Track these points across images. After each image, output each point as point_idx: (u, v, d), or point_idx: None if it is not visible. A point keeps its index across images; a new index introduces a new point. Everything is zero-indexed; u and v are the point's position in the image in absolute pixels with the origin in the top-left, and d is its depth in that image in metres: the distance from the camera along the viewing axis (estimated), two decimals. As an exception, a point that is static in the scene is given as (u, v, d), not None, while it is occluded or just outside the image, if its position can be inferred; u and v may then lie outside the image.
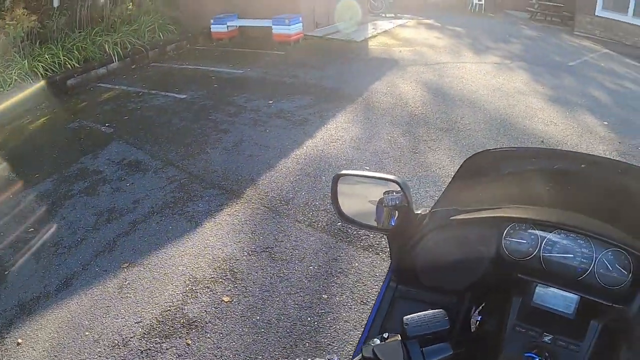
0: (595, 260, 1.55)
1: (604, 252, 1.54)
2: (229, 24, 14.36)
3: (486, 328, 1.73)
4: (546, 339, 1.51)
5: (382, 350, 1.33)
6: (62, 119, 8.62)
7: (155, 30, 13.50)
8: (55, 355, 3.87)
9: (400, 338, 1.36)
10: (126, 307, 4.29)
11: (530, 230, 1.63)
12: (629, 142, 7.57)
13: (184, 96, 9.47)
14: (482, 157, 1.90)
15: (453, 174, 1.88)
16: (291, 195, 5.80)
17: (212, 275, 4.57)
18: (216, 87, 10.10)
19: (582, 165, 1.85)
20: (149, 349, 3.86)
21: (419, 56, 12.81)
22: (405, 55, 12.91)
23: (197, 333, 3.97)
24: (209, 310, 4.19)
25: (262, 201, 5.70)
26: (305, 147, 7.06)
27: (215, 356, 3.76)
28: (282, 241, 5.01)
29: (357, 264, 4.67)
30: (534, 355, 1.46)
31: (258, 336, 3.91)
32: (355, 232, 5.11)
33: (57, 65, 10.53)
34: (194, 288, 4.43)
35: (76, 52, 11.06)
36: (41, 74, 10.06)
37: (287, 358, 3.72)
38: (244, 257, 4.79)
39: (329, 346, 3.78)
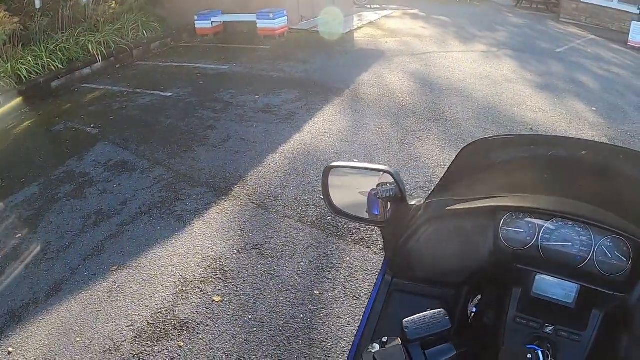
0: (594, 248, 1.50)
1: (602, 240, 1.50)
2: (213, 19, 14.18)
3: (484, 321, 1.68)
4: (548, 329, 1.47)
5: (383, 356, 1.27)
6: (47, 122, 8.49)
7: (139, 28, 13.31)
8: (46, 363, 3.80)
9: (400, 342, 1.31)
10: (116, 311, 4.22)
11: (527, 219, 1.58)
12: (618, 128, 7.55)
13: (170, 94, 9.35)
14: (479, 146, 1.84)
15: (443, 164, 1.82)
16: (280, 191, 5.73)
17: (202, 275, 4.49)
18: (202, 83, 9.99)
19: (583, 152, 1.78)
20: (141, 353, 3.79)
21: (405, 46, 12.75)
22: (392, 46, 12.84)
23: (188, 335, 3.91)
24: (200, 311, 4.12)
25: (250, 198, 5.63)
26: (292, 142, 6.98)
27: (208, 358, 3.70)
28: (272, 238, 4.95)
29: (348, 259, 4.61)
30: (536, 347, 1.40)
31: (250, 335, 3.85)
32: (345, 226, 5.05)
33: (40, 68, 10.36)
34: (184, 289, 4.36)
35: (59, 54, 10.89)
36: (25, 77, 9.91)
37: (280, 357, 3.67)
38: (234, 256, 4.72)
39: (323, 343, 3.73)
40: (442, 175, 1.79)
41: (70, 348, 3.91)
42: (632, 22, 15.98)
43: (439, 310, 1.37)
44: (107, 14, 13.06)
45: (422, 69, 10.70)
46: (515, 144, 1.95)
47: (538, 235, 1.56)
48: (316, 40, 13.65)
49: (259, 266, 4.57)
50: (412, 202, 1.70)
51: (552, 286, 1.52)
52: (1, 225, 5.62)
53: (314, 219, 5.21)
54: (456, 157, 1.78)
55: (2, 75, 9.66)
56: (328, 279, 4.38)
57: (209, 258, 4.71)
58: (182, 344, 3.83)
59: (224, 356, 3.70)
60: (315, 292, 4.24)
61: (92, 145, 7.32)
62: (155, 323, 4.04)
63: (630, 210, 1.57)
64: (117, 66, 11.68)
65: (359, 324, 1.68)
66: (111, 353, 3.83)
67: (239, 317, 4.02)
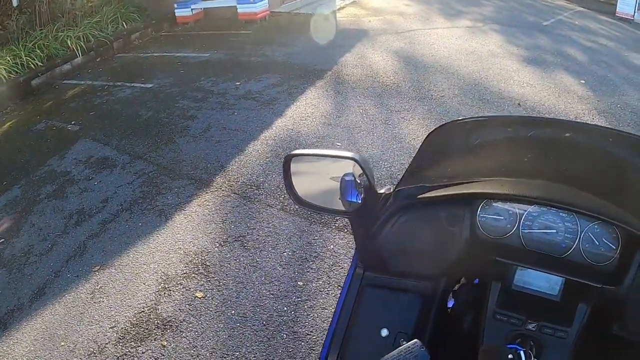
0: (580, 235, 1.40)
1: (589, 226, 1.39)
2: (193, 7, 13.94)
3: (463, 317, 1.59)
4: (530, 326, 1.37)
5: None
6: (28, 122, 8.32)
7: (118, 20, 13.05)
8: (30, 371, 3.73)
9: None
10: (99, 313, 4.14)
11: (507, 206, 1.47)
12: (607, 100, 7.43)
13: (150, 85, 9.18)
14: (449, 129, 1.77)
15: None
16: (262, 179, 5.61)
17: (185, 271, 4.40)
18: (182, 72, 9.80)
19: (567, 134, 1.69)
20: (125, 355, 3.73)
21: (388, 25, 12.57)
22: (375, 24, 12.66)
23: (172, 333, 3.82)
24: (183, 308, 4.04)
25: (232, 188, 5.52)
26: (274, 128, 6.85)
27: (192, 356, 3.63)
28: (254, 228, 4.84)
29: (332, 247, 4.52)
30: (517, 347, 1.30)
31: (234, 331, 3.77)
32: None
33: (20, 66, 10.15)
34: (166, 286, 4.27)
35: (38, 51, 10.66)
36: (4, 77, 9.72)
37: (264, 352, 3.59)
38: (216, 249, 4.62)
39: (308, 336, 3.66)
40: (411, 160, 1.68)
41: (56, 353, 3.84)
42: None
43: (414, 342, 1.26)
44: (85, 8, 12.83)
45: (406, 47, 10.54)
46: (489, 126, 1.85)
47: (519, 223, 1.46)
48: (298, 22, 13.45)
49: (242, 259, 4.47)
50: (381, 191, 1.59)
51: (535, 278, 1.43)
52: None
53: (297, 207, 5.10)
54: (424, 140, 1.70)
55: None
56: (312, 268, 4.29)
57: (191, 253, 4.61)
58: (165, 343, 3.75)
59: (207, 354, 3.62)
60: (299, 283, 4.15)
61: (73, 142, 7.17)
62: (139, 323, 3.96)
63: (619, 194, 1.46)
64: (98, 60, 11.47)
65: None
66: (96, 356, 3.76)
67: (222, 313, 3.94)
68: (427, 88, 7.96)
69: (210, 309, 3.98)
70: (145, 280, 4.37)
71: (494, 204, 1.48)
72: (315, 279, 4.16)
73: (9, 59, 10.14)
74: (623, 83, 8.27)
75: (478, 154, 1.70)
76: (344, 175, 1.57)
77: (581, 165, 1.59)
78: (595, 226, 1.39)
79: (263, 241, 4.67)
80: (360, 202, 1.57)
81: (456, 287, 1.70)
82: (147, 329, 3.90)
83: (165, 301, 4.12)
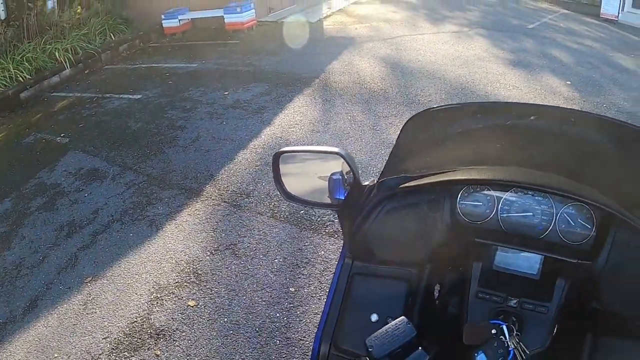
0: (556, 217, 1.46)
1: (564, 208, 1.46)
2: (180, 17, 13.91)
3: (449, 301, 1.64)
4: (512, 302, 1.42)
5: None
6: (17, 135, 8.26)
7: (106, 31, 13.03)
8: (24, 384, 3.70)
9: None
10: (92, 323, 4.12)
11: (485, 192, 1.53)
12: (593, 100, 7.50)
13: (139, 96, 9.16)
14: (424, 118, 1.83)
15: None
16: (252, 188, 5.61)
17: (177, 280, 4.39)
18: (171, 83, 9.80)
19: (532, 117, 1.74)
20: (118, 365, 3.70)
21: (375, 32, 12.63)
22: (362, 32, 12.72)
23: (165, 342, 3.81)
24: (176, 317, 4.02)
25: (222, 197, 5.51)
26: (263, 136, 6.86)
27: (185, 365, 3.61)
28: (245, 236, 4.84)
29: (323, 252, 4.53)
30: (500, 322, 1.35)
31: (227, 339, 3.77)
32: (319, 219, 4.96)
33: (8, 80, 10.10)
34: (159, 295, 4.26)
35: (27, 64, 10.62)
36: (-7, 91, 9.69)
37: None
38: (208, 258, 4.61)
39: (301, 342, 3.66)
40: (391, 150, 1.72)
41: (49, 365, 3.81)
42: None
43: (400, 319, 1.31)
44: (73, 20, 12.79)
45: (393, 53, 10.59)
46: (463, 115, 1.88)
47: (497, 208, 1.52)
48: (285, 31, 13.48)
49: (233, 266, 4.47)
50: (366, 183, 1.64)
51: (514, 258, 1.48)
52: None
53: (287, 214, 5.11)
54: (401, 131, 1.75)
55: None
56: (303, 274, 4.30)
57: (183, 262, 4.59)
58: (159, 352, 3.74)
59: (201, 362, 3.62)
60: (290, 289, 4.16)
61: (63, 154, 7.13)
62: (132, 333, 3.94)
63: (592, 175, 1.51)
64: (86, 72, 11.43)
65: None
66: (89, 367, 3.74)
67: (214, 321, 3.93)
68: (414, 93, 8.00)
69: (203, 317, 3.97)
70: (137, 290, 4.36)
71: (473, 191, 1.54)
72: (307, 285, 4.16)
73: (-3, 72, 10.11)
74: (608, 83, 8.35)
75: (456, 142, 1.76)
76: (332, 174, 1.62)
77: (555, 150, 1.65)
78: (570, 207, 1.45)
79: (254, 249, 4.66)
80: (339, 201, 1.63)
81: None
82: (140, 338, 3.88)
83: (157, 310, 4.11)
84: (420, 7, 16.08)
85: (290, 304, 3.99)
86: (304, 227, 4.88)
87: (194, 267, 4.51)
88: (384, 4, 17.00)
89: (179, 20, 13.88)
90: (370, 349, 1.25)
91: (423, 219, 1.55)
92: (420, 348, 1.27)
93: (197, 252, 4.70)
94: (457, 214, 1.55)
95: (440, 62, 9.63)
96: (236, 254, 4.60)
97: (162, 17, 13.88)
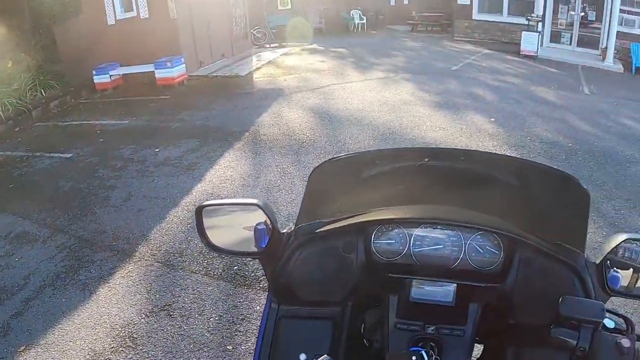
0: (465, 247, 1.58)
1: (472, 237, 1.58)
2: (111, 73, 13.85)
3: (372, 336, 1.72)
4: (429, 329, 1.52)
5: None
6: (-57, 199, 8.01)
7: (37, 87, 12.83)
8: None
9: None
10: (25, 395, 4.02)
11: (397, 230, 1.64)
12: (517, 134, 7.90)
13: (70, 155, 9.02)
14: (328, 167, 1.91)
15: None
16: (184, 246, 5.64)
17: (112, 345, 4.33)
18: (102, 141, 9.70)
19: (426, 159, 1.87)
20: None
21: (304, 82, 12.91)
22: (291, 83, 12.99)
23: (100, 410, 3.76)
24: (111, 383, 3.98)
25: (155, 257, 5.50)
26: (194, 193, 6.90)
27: None
28: (179, 296, 4.85)
29: (259, 307, 4.58)
30: (419, 349, 1.45)
31: (163, 403, 3.76)
32: (253, 275, 5.03)
33: None
34: (94, 362, 4.20)
35: (-47, 124, 10.39)
36: None
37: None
38: (143, 320, 4.58)
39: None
40: (302, 199, 1.83)
41: None
42: (523, 32, 17.05)
43: (323, 357, 1.40)
44: (2, 75, 12.53)
45: (321, 102, 10.85)
46: (367, 160, 2.00)
47: (409, 243, 1.62)
48: (216, 85, 13.61)
49: (169, 328, 4.45)
50: (284, 230, 1.72)
51: (430, 289, 1.58)
52: None
53: (220, 270, 5.16)
54: (309, 180, 1.83)
55: None
56: (240, 331, 4.33)
57: (117, 326, 4.54)
58: (94, 420, 3.69)
59: None
60: (228, 347, 4.18)
61: (-8, 218, 6.96)
62: (66, 402, 3.88)
63: (491, 204, 1.70)
64: (16, 129, 11.15)
65: None
66: None
67: (150, 385, 3.92)
68: (343, 141, 8.22)
69: (138, 382, 3.95)
70: (72, 358, 4.27)
71: (385, 230, 1.65)
72: (244, 342, 4.20)
73: None
74: (531, 116, 8.82)
75: (364, 187, 1.88)
76: (257, 224, 1.69)
77: (455, 186, 1.81)
78: (477, 237, 1.59)
79: (189, 308, 4.67)
80: (261, 249, 1.70)
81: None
82: (74, 407, 3.82)
83: (92, 377, 4.06)
84: (347, 55, 16.53)
85: (227, 362, 4.02)
86: (239, 284, 4.93)
87: (129, 330, 4.47)
88: (313, 54, 17.41)
89: (110, 75, 13.84)
90: None
91: (340, 260, 1.64)
92: None
93: (132, 315, 4.66)
94: (372, 253, 1.64)
95: (368, 109, 9.92)
96: (171, 315, 4.60)
97: (94, 72, 13.77)
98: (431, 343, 1.49)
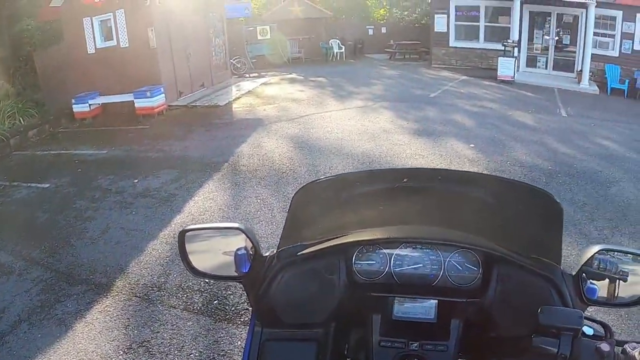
0: (444, 265, 1.61)
1: (450, 255, 1.61)
2: (90, 102, 13.74)
3: (357, 353, 1.72)
4: (413, 346, 1.53)
5: None
6: None
7: (15, 115, 12.70)
8: None
9: None
10: None
11: (377, 250, 1.66)
12: (497, 159, 7.98)
13: (47, 185, 8.89)
14: (309, 191, 1.92)
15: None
16: (163, 280, 5.54)
17: (88, 383, 4.23)
18: (80, 171, 9.59)
19: (405, 180, 1.92)
20: None
21: (283, 112, 12.96)
22: (270, 112, 13.02)
23: None
24: (87, 423, 3.87)
25: (133, 291, 5.39)
26: (173, 225, 6.81)
27: None
28: (158, 332, 4.74)
29: (239, 342, 4.50)
30: None
31: None
32: (233, 309, 4.95)
33: None
34: (68, 401, 4.08)
35: None
36: None
37: None
38: (121, 357, 4.46)
39: None
40: (285, 221, 1.83)
41: None
42: (499, 58, 17.39)
43: None
44: (-19, 103, 12.41)
45: (301, 132, 10.87)
46: (347, 183, 2.02)
47: (390, 263, 1.64)
48: (195, 115, 13.58)
49: (146, 365, 4.36)
50: (266, 254, 1.72)
51: (411, 307, 1.60)
52: None
53: (200, 305, 5.07)
54: (291, 204, 1.85)
55: None
56: (220, 367, 4.25)
57: (94, 363, 4.44)
58: None
59: None
60: (208, 384, 4.10)
61: (-34, 250, 6.79)
62: None
63: (468, 222, 1.73)
64: (-7, 158, 11.05)
65: None
66: None
67: None
68: (323, 171, 8.23)
69: (114, 422, 3.84)
70: (46, 396, 4.17)
71: (366, 251, 1.67)
72: (225, 378, 4.12)
73: None
74: (510, 140, 8.91)
75: (345, 209, 1.91)
76: (237, 249, 1.69)
77: (433, 205, 1.86)
78: (456, 254, 1.62)
79: (168, 344, 4.55)
80: (243, 272, 1.70)
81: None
82: None
83: (67, 417, 3.94)
84: (326, 84, 16.64)
85: (204, 401, 3.94)
86: (219, 318, 4.85)
87: (106, 367, 4.37)
88: (292, 84, 17.50)
89: (89, 105, 13.73)
90: None
91: (322, 282, 1.65)
92: None
93: (109, 351, 4.53)
94: (354, 274, 1.65)
95: (347, 138, 9.96)
96: (150, 351, 4.49)
97: (73, 101, 13.66)
98: (415, 359, 1.52)
